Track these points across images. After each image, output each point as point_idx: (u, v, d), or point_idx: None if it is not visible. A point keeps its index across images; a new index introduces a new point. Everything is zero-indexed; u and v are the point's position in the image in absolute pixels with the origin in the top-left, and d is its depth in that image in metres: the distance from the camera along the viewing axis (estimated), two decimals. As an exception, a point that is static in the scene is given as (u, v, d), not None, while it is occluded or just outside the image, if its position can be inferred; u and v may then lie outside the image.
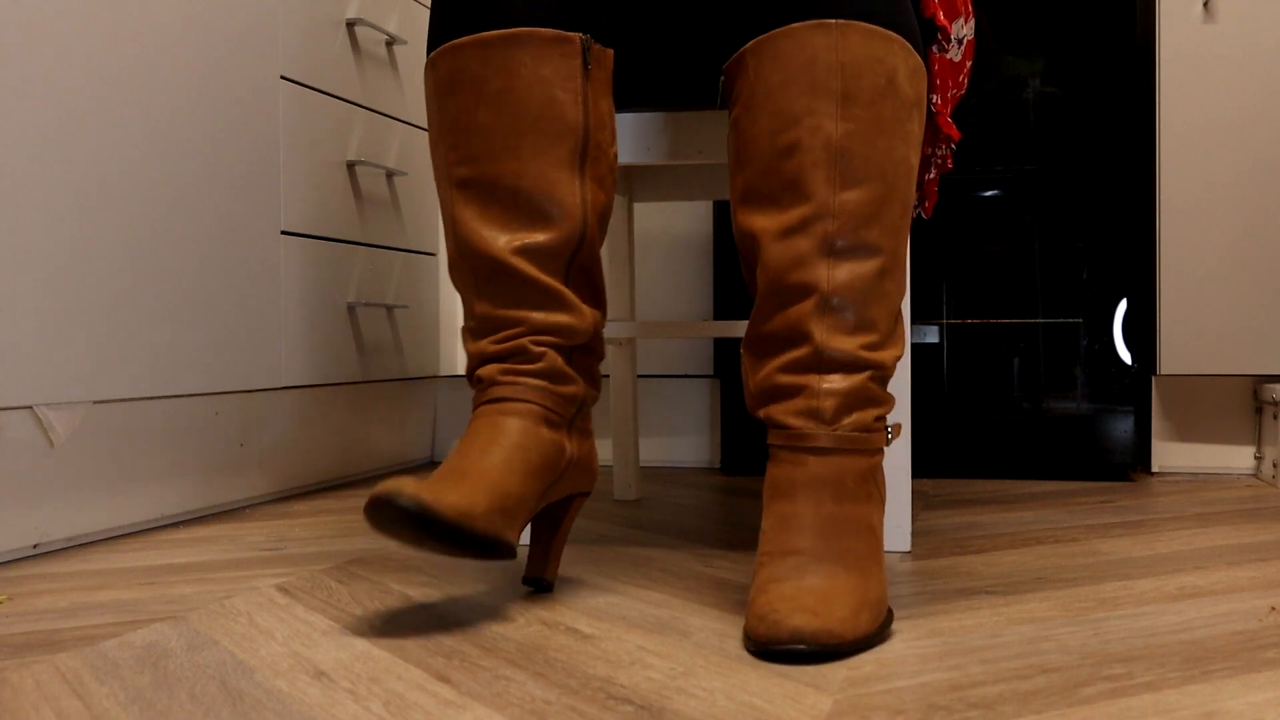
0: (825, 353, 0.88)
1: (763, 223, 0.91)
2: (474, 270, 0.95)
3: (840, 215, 0.88)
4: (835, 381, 0.88)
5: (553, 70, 0.94)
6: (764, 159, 0.91)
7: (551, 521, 1.00)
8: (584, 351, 0.99)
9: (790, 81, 0.89)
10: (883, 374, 0.90)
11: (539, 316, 0.94)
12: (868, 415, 0.89)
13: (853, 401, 0.88)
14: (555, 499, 0.97)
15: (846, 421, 0.88)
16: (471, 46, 0.94)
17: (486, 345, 0.95)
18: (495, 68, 0.93)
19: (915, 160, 0.92)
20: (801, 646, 0.78)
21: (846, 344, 0.88)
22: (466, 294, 0.97)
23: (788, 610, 0.80)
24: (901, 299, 0.93)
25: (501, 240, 0.94)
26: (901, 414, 1.19)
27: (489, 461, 0.89)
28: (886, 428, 0.92)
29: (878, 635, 0.84)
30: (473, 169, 0.94)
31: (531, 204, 0.94)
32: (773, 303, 0.90)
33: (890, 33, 0.90)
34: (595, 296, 1.00)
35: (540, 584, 1.01)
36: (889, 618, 0.86)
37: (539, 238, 0.94)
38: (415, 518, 0.82)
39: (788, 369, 0.89)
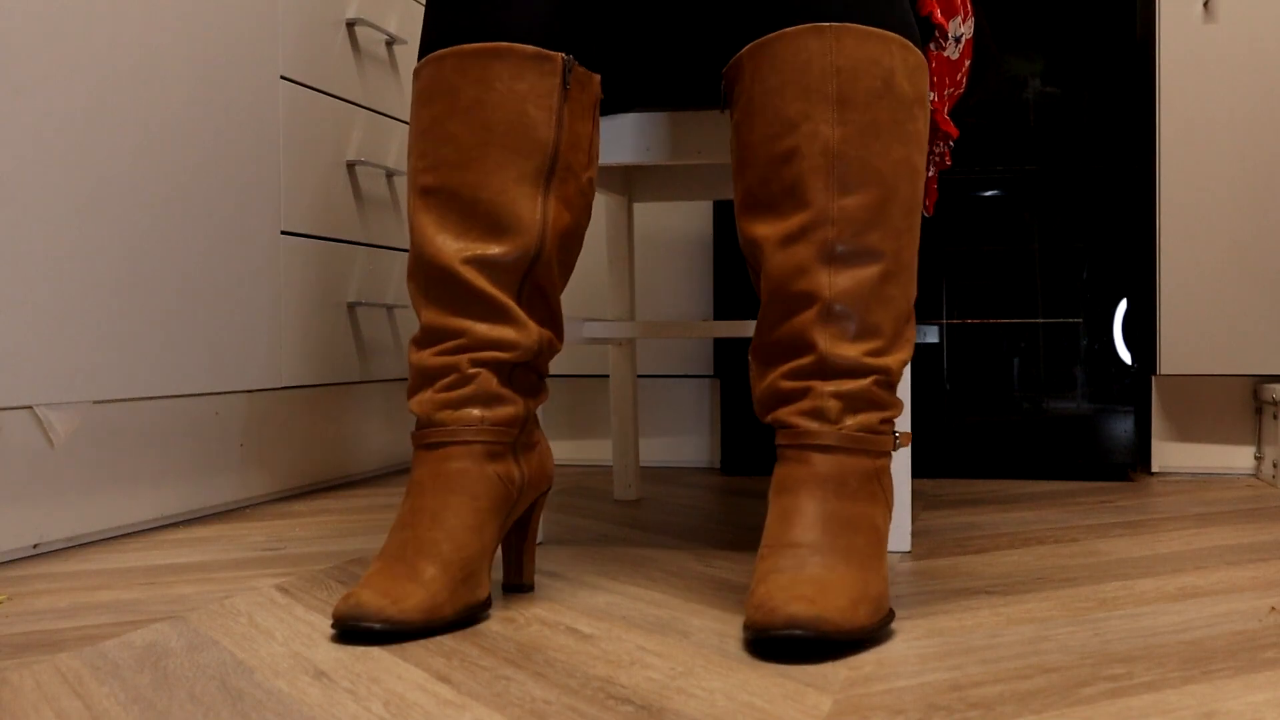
0: (829, 361, 0.88)
1: (764, 230, 0.92)
2: (426, 278, 0.94)
3: (840, 221, 0.88)
4: (839, 385, 0.89)
5: (528, 86, 0.93)
6: (763, 165, 0.91)
7: (519, 528, 1.00)
8: (527, 369, 0.97)
9: (786, 86, 0.90)
10: (888, 379, 0.90)
11: (482, 328, 0.93)
12: (873, 417, 0.89)
13: (858, 404, 0.89)
14: (516, 516, 0.97)
15: (851, 422, 0.88)
16: (452, 58, 0.94)
17: (427, 356, 0.94)
18: (471, 79, 0.93)
19: (920, 159, 0.92)
20: (798, 632, 0.78)
21: (850, 351, 0.89)
22: (416, 301, 0.95)
23: (785, 599, 0.80)
24: (909, 301, 0.93)
25: (453, 248, 0.93)
26: (902, 414, 1.19)
27: (442, 530, 0.89)
28: (894, 432, 0.92)
29: (876, 630, 0.83)
30: (436, 177, 0.94)
31: (488, 216, 0.93)
32: (777, 311, 0.91)
33: (886, 32, 0.90)
34: (550, 319, 0.98)
35: (521, 589, 1.02)
36: (890, 616, 0.86)
37: (492, 250, 0.93)
38: (386, 635, 0.85)
39: (792, 376, 0.90)
